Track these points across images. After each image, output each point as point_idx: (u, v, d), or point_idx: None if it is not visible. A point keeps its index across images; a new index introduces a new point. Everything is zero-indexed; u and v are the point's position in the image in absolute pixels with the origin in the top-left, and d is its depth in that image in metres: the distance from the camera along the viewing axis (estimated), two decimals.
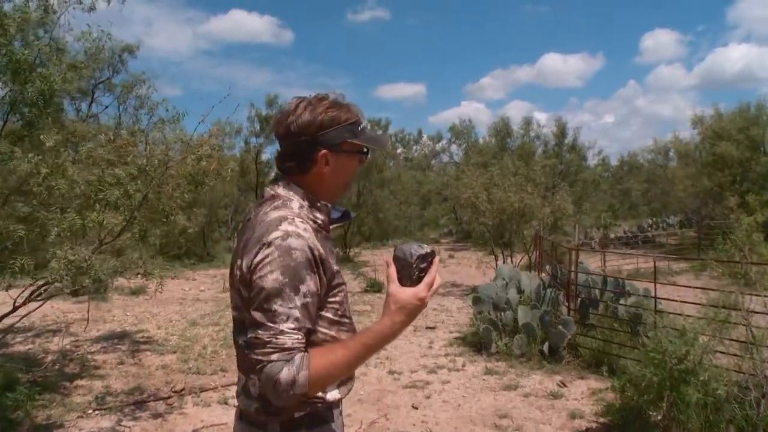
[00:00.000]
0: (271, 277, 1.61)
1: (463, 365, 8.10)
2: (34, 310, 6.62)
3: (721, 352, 5.78)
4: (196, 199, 16.51)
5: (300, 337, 1.60)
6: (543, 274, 11.75)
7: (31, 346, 9.14)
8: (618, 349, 7.76)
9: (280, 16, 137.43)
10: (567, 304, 9.00)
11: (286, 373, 1.55)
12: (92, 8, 5.58)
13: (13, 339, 9.33)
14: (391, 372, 7.75)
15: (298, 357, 1.58)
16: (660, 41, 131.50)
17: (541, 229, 13.15)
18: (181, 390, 7.02)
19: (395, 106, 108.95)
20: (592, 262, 15.27)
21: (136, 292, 14.10)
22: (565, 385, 7.16)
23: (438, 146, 50.34)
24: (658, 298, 7.81)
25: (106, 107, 17.07)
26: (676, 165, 30.63)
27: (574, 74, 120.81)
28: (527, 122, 30.84)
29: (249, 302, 1.66)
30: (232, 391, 6.68)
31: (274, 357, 1.57)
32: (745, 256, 6.49)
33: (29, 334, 9.89)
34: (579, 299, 9.00)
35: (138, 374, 7.73)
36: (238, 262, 1.73)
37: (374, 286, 14.96)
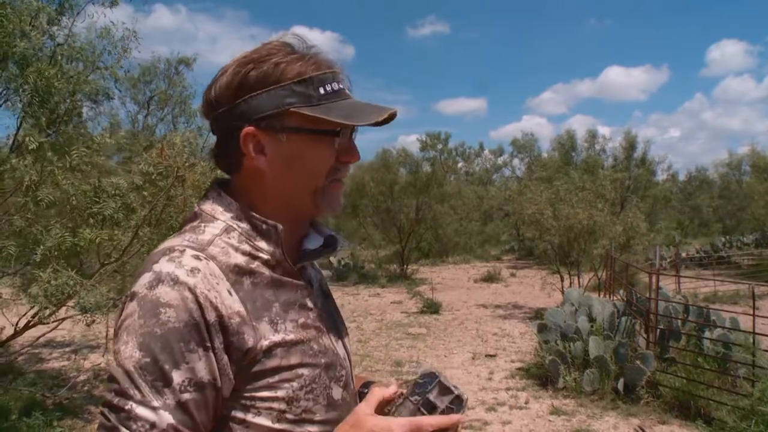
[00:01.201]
0: (124, 355, 0.98)
1: (527, 402, 7.27)
2: (52, 329, 6.12)
3: None
4: None
5: None
6: (615, 299, 10.79)
7: (65, 362, 8.72)
8: (705, 390, 6.80)
9: (342, 32, 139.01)
10: (645, 335, 8.07)
11: None
12: (114, 3, 5.01)
13: (50, 354, 8.96)
14: None
15: None
16: (727, 52, 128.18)
17: (612, 248, 12.17)
18: None
19: (456, 120, 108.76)
20: (665, 284, 14.20)
21: None
22: (644, 431, 6.27)
23: (500, 160, 49.56)
24: (750, 332, 6.86)
25: (162, 119, 16.87)
26: (753, 179, 28.99)
27: (638, 87, 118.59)
28: (592, 135, 29.91)
29: None
30: None
31: None
32: None
33: (67, 349, 9.51)
34: (658, 330, 8.05)
35: None
36: None
37: (431, 307, 14.14)
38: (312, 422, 1.12)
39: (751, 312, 6.94)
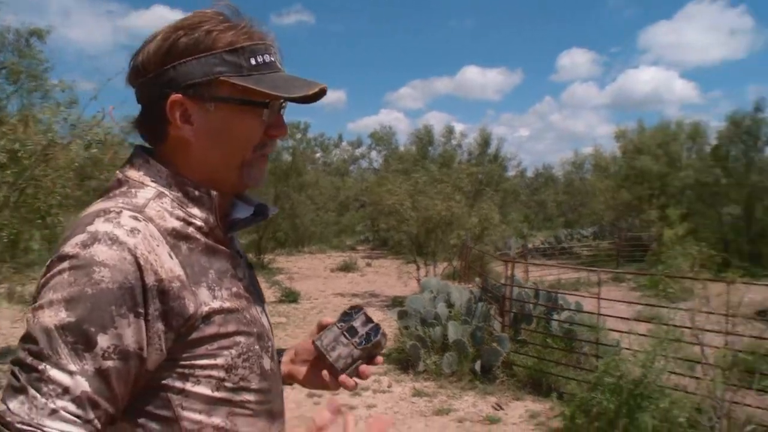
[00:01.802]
0: (46, 313, 0.90)
1: (389, 386, 7.43)
2: None
3: (674, 374, 5.38)
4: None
5: None
6: (471, 286, 11.24)
7: None
8: (555, 367, 7.27)
9: None
10: (500, 319, 8.47)
11: None
12: None
13: None
14: (311, 395, 6.96)
15: None
16: (576, 60, 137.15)
17: (468, 239, 12.68)
18: None
19: (316, 111, 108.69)
20: (516, 273, 14.97)
21: (29, 301, 12.81)
22: (501, 408, 6.60)
23: (357, 152, 49.91)
24: (594, 313, 7.39)
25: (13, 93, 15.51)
26: (594, 177, 31.17)
27: (493, 88, 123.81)
28: (449, 131, 30.96)
29: None
30: None
31: None
32: (695, 270, 6.10)
33: None
34: (512, 314, 8.48)
35: None
36: None
37: (290, 296, 14.07)
38: (248, 390, 1.10)
39: (595, 296, 7.46)
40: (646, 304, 7.47)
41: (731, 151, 22.23)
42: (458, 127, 38.33)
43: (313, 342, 1.31)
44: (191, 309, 1.01)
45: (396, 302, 13.20)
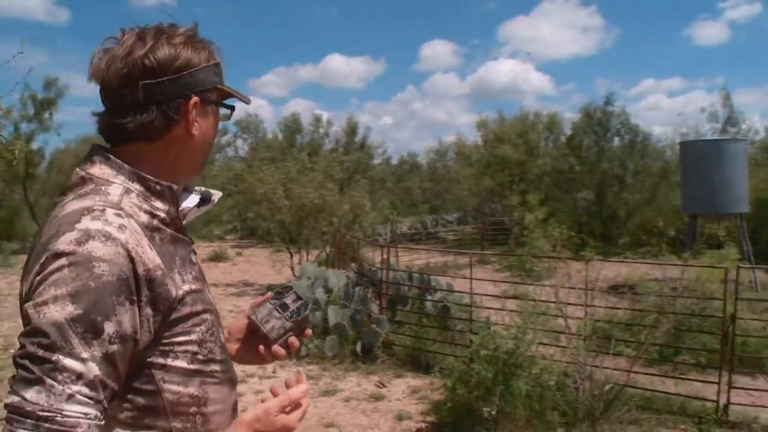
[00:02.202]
0: (53, 308, 1.00)
1: (274, 371, 7.56)
2: None
3: (542, 344, 5.88)
4: None
5: (97, 413, 1.00)
6: (347, 272, 11.53)
7: None
8: (432, 345, 7.70)
9: None
10: (378, 302, 8.81)
11: None
12: None
13: None
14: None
15: None
16: (438, 51, 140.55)
17: (341, 225, 12.96)
18: None
19: None
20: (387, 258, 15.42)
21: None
22: (384, 385, 6.93)
23: (223, 140, 48.90)
24: (465, 292, 7.86)
25: None
26: (458, 165, 32.24)
27: (357, 76, 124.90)
28: (317, 119, 31.07)
29: None
30: None
31: None
32: (557, 250, 6.66)
33: None
34: (388, 296, 8.84)
35: None
36: (23, 287, 1.10)
37: None
38: (215, 361, 1.25)
39: (464, 277, 7.94)
40: (514, 282, 8.04)
41: (584, 140, 23.77)
42: (323, 115, 38.43)
43: (248, 317, 1.47)
44: (173, 293, 1.14)
45: (271, 290, 13.27)
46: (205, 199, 1.40)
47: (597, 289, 6.19)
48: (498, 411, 5.33)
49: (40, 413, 0.95)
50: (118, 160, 1.20)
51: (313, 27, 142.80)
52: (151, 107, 1.19)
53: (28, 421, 0.95)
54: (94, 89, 1.24)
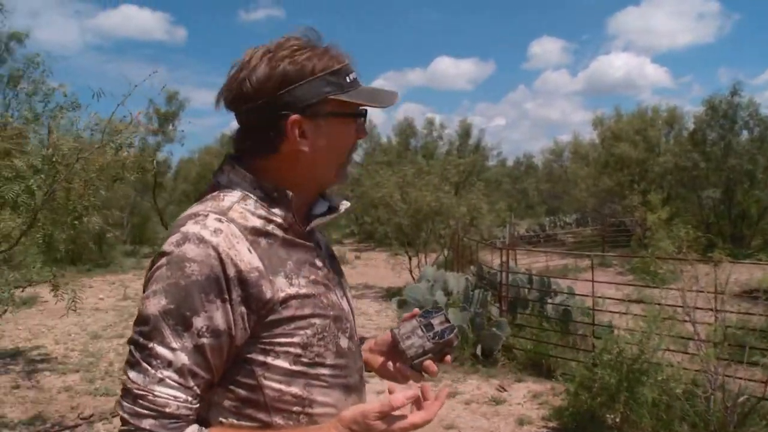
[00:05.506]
0: (152, 301, 1.16)
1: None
2: None
3: (669, 350, 5.70)
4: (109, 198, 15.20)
5: (188, 397, 1.14)
6: (466, 275, 11.55)
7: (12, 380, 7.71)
8: (553, 349, 7.61)
9: (173, 13, 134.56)
10: (498, 305, 8.79)
11: None
12: None
13: None
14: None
15: None
16: (547, 48, 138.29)
17: (459, 228, 12.99)
18: (90, 416, 6.22)
19: None
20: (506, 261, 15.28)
21: (27, 302, 12.88)
22: (504, 390, 6.92)
23: None
24: (587, 295, 7.73)
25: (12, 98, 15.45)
26: (575, 165, 31.47)
27: (466, 78, 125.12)
28: (430, 122, 31.22)
29: None
30: None
31: (146, 425, 1.12)
32: (683, 252, 6.43)
33: (10, 360, 8.52)
34: (508, 299, 8.82)
35: (38, 399, 6.83)
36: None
37: None
38: (324, 365, 1.28)
39: (585, 280, 7.80)
40: (638, 285, 7.81)
41: (709, 135, 22.34)
42: (436, 118, 38.61)
43: (392, 330, 1.48)
44: (268, 295, 1.20)
45: (390, 293, 13.48)
46: (333, 207, 1.45)
47: (728, 293, 5.93)
48: (622, 419, 5.23)
49: (136, 391, 1.12)
50: (242, 170, 1.31)
51: (419, 31, 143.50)
52: (258, 130, 1.29)
53: (129, 396, 1.13)
54: (211, 102, 1.36)
